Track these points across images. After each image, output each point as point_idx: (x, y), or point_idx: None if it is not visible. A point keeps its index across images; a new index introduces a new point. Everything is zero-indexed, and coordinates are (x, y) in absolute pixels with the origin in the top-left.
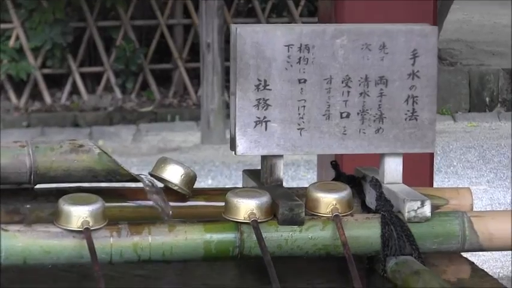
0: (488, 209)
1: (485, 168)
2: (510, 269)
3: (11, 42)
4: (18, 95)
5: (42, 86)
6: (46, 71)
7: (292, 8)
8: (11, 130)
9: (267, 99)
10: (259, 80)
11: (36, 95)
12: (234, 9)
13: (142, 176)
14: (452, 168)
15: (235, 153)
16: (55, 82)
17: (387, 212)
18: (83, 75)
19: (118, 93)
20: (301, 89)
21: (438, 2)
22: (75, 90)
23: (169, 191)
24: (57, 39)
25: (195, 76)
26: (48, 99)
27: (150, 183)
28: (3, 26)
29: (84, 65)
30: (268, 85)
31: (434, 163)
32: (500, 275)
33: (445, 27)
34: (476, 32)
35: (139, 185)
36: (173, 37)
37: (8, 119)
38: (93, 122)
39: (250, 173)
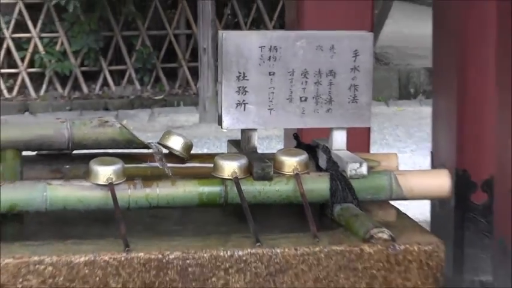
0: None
1: (409, 141)
2: (428, 214)
3: (57, 47)
4: (63, 86)
5: (81, 79)
6: (84, 68)
7: (267, 22)
8: (57, 113)
9: (245, 87)
10: (239, 73)
11: (76, 87)
12: (224, 23)
13: (152, 144)
14: (385, 141)
15: (221, 128)
16: (90, 77)
17: (334, 171)
18: (111, 72)
19: (137, 85)
20: (271, 79)
21: (376, 16)
22: (105, 83)
23: (172, 156)
24: (92, 44)
25: (195, 73)
26: (85, 89)
27: (157, 150)
28: (52, 34)
29: (112, 64)
30: (246, 76)
31: (371, 137)
32: (420, 219)
33: (381, 36)
34: (405, 40)
35: (150, 151)
36: (178, 43)
37: (55, 105)
38: (119, 106)
39: (233, 143)
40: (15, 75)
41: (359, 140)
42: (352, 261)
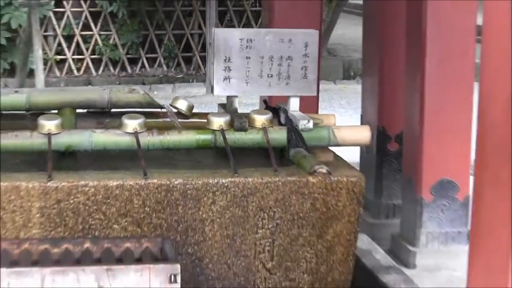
0: None
1: (349, 108)
2: (358, 158)
3: (111, 41)
4: (114, 68)
5: (126, 63)
6: (128, 56)
7: (253, 26)
8: (110, 86)
9: (230, 67)
10: (225, 57)
11: (123, 68)
12: (224, 25)
13: (165, 106)
14: (332, 108)
15: (213, 94)
16: (133, 61)
17: (290, 125)
18: (147, 58)
19: (164, 67)
20: (247, 62)
21: (327, 22)
22: (142, 66)
23: (180, 114)
24: (134, 39)
25: (204, 59)
26: (129, 70)
27: (169, 109)
28: (107, 32)
29: (148, 53)
30: (230, 60)
31: (323, 105)
32: (353, 161)
33: (332, 37)
34: (349, 39)
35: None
36: (193, 39)
37: (109, 80)
38: (152, 82)
39: (221, 105)
40: (82, 60)
41: (310, 106)
42: (301, 188)
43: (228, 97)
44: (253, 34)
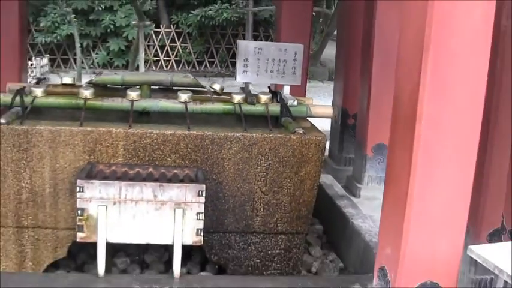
0: None
1: (329, 97)
2: (329, 128)
3: (187, 50)
4: (188, 66)
5: (196, 64)
6: (197, 59)
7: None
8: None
9: (247, 64)
10: (244, 58)
11: (194, 67)
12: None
13: (206, 86)
14: (318, 97)
15: (236, 81)
16: (200, 63)
17: (282, 102)
18: (208, 61)
19: (219, 67)
20: (258, 62)
21: (319, 45)
22: (205, 66)
23: (215, 92)
24: (201, 49)
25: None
26: (197, 68)
27: (209, 89)
28: (184, 44)
29: (209, 58)
30: (247, 60)
31: (312, 96)
32: (324, 128)
33: (323, 55)
34: (333, 55)
35: (205, 89)
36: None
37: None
38: (210, 76)
39: (240, 89)
40: (169, 60)
41: (300, 93)
42: (286, 141)
43: (245, 83)
44: (263, 45)
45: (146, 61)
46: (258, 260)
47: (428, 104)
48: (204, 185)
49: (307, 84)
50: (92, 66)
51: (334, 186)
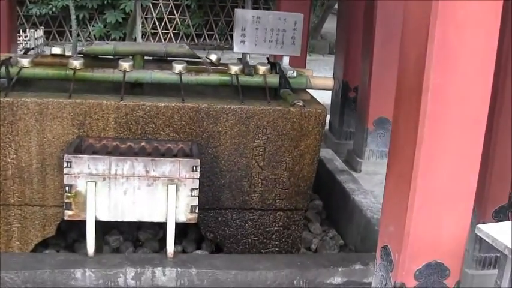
0: None
1: (329, 70)
2: (329, 102)
3: (186, 22)
4: (187, 39)
5: (194, 36)
6: (196, 32)
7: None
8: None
9: (244, 34)
10: (242, 27)
11: (192, 39)
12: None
13: (202, 57)
14: (319, 70)
15: (234, 51)
16: (199, 36)
17: (281, 73)
18: (207, 34)
19: (218, 40)
20: (256, 31)
21: (320, 18)
22: (204, 38)
23: (212, 63)
24: (200, 22)
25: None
26: (196, 41)
27: (205, 59)
28: (183, 17)
29: (208, 31)
30: (245, 29)
31: (313, 69)
32: (325, 102)
33: (324, 28)
34: (334, 29)
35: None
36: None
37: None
38: (209, 49)
39: (238, 59)
40: (167, 33)
41: (301, 64)
42: (285, 114)
43: (243, 54)
44: (261, 14)
45: (144, 34)
46: (256, 238)
47: (435, 74)
48: (198, 160)
49: (308, 57)
50: (88, 39)
51: (335, 160)
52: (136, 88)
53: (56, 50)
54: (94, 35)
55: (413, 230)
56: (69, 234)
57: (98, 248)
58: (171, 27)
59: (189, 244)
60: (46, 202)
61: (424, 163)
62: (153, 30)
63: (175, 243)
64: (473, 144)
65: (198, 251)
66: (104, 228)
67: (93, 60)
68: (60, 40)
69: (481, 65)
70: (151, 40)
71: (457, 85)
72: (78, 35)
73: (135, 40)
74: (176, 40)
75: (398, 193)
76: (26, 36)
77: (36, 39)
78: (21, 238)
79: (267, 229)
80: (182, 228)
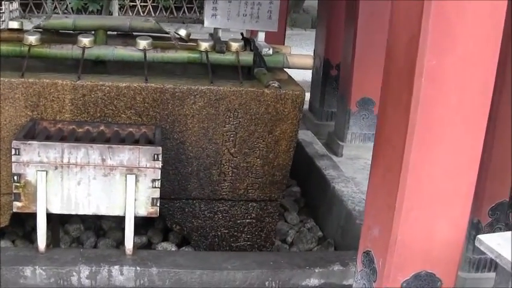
0: None
1: (311, 45)
2: (310, 79)
3: None
4: (166, 12)
5: (174, 9)
6: (175, 5)
7: None
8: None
9: (216, 7)
10: (214, 0)
11: (171, 12)
12: None
13: (170, 32)
14: (300, 45)
15: (203, 26)
16: (178, 8)
17: (256, 50)
18: (187, 7)
19: (198, 14)
20: (229, 4)
21: None
22: (184, 11)
23: (181, 39)
24: None
25: None
26: (175, 14)
27: (173, 35)
28: None
29: (187, 4)
30: (216, 2)
31: (294, 44)
32: (305, 80)
33: (306, 2)
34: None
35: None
36: None
37: (161, 20)
38: (188, 22)
39: (210, 35)
40: (146, 6)
41: (279, 40)
42: (258, 96)
43: (214, 29)
44: None
45: (122, 6)
46: (226, 231)
47: (430, 55)
48: (160, 148)
49: (289, 31)
50: (66, 11)
51: (314, 144)
52: (98, 66)
53: (13, 25)
54: (72, 8)
55: (400, 234)
56: (27, 223)
57: (55, 240)
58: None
59: (155, 235)
60: None
61: (415, 156)
62: (131, 3)
63: (140, 234)
64: (474, 136)
65: (164, 243)
66: (64, 216)
67: (54, 35)
68: (38, 12)
69: (485, 45)
70: (130, 13)
71: (455, 67)
72: (55, 8)
73: (111, 14)
74: (155, 13)
75: (384, 190)
76: (0, 9)
77: (11, 11)
78: None
79: (238, 221)
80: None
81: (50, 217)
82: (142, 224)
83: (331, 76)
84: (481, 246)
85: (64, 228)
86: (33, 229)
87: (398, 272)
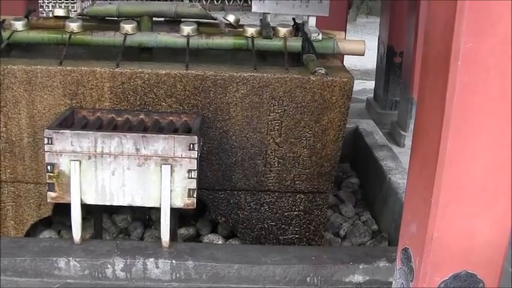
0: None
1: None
2: (374, 68)
3: None
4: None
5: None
6: None
7: None
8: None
9: None
10: None
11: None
12: None
13: (217, 17)
14: (374, 34)
15: (252, 11)
16: None
17: (305, 35)
18: None
19: (238, 1)
20: None
21: None
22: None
23: (229, 25)
24: None
25: None
26: (215, 2)
27: (220, 20)
28: None
29: None
30: None
31: (357, 32)
32: (369, 68)
33: None
34: None
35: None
36: None
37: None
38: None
39: (260, 20)
40: None
41: (341, 26)
42: (304, 83)
43: (263, 14)
44: None
45: None
46: (273, 223)
47: (467, 37)
48: (195, 137)
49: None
50: None
51: (375, 133)
52: (144, 53)
53: (59, 12)
54: None
55: (437, 231)
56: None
57: (97, 231)
58: None
59: (203, 226)
60: (40, 179)
61: (452, 149)
62: None
63: (189, 224)
64: None
65: (211, 235)
66: (112, 206)
67: (99, 22)
68: (82, 1)
69: None
70: None
71: (494, 50)
72: None
73: None
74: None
75: (422, 184)
76: None
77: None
78: (15, 217)
79: (286, 213)
80: (199, 207)
81: (91, 208)
82: (192, 214)
83: (395, 63)
84: None
85: (111, 219)
86: (82, 218)
87: (435, 271)
